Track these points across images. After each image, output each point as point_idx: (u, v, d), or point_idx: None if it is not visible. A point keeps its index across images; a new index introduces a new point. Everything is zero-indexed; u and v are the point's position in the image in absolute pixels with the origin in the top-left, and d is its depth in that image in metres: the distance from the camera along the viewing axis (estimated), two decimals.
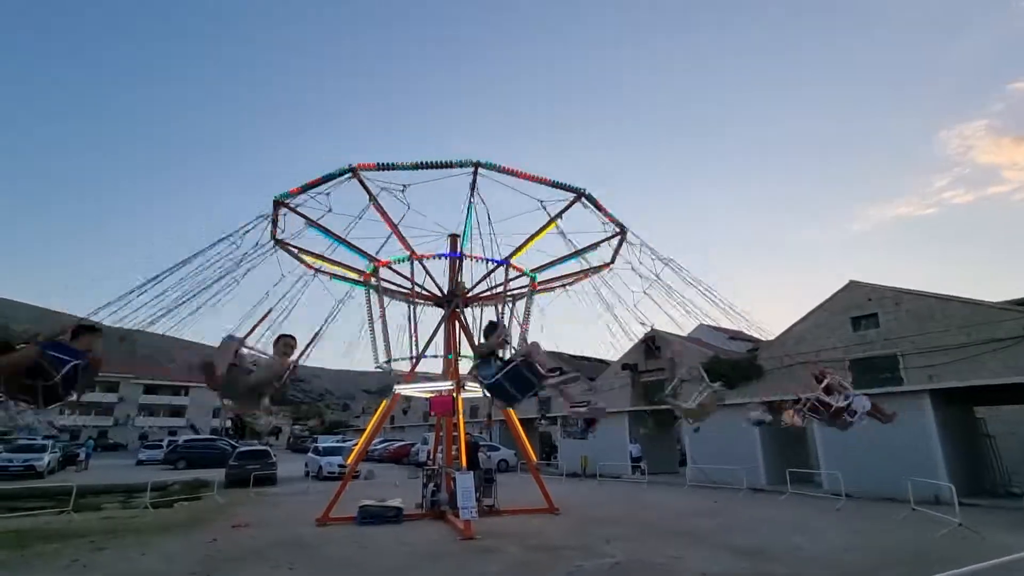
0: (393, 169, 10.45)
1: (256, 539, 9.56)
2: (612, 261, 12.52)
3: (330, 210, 10.68)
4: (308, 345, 5.98)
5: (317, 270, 12.44)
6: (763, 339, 20.75)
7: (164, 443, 34.24)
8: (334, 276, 13.01)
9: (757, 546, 8.77)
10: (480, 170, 10.75)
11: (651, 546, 8.82)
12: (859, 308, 22.35)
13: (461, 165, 10.62)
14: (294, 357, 5.49)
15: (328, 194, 10.53)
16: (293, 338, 5.56)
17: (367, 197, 10.91)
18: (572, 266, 13.29)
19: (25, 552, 8.52)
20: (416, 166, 10.36)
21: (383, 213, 11.32)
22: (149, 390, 65.85)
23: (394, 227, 11.63)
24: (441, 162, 10.45)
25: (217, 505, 14.47)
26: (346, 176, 10.43)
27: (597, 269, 12.85)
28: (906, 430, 13.88)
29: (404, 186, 10.76)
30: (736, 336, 32.01)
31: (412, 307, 13.69)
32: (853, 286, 22.72)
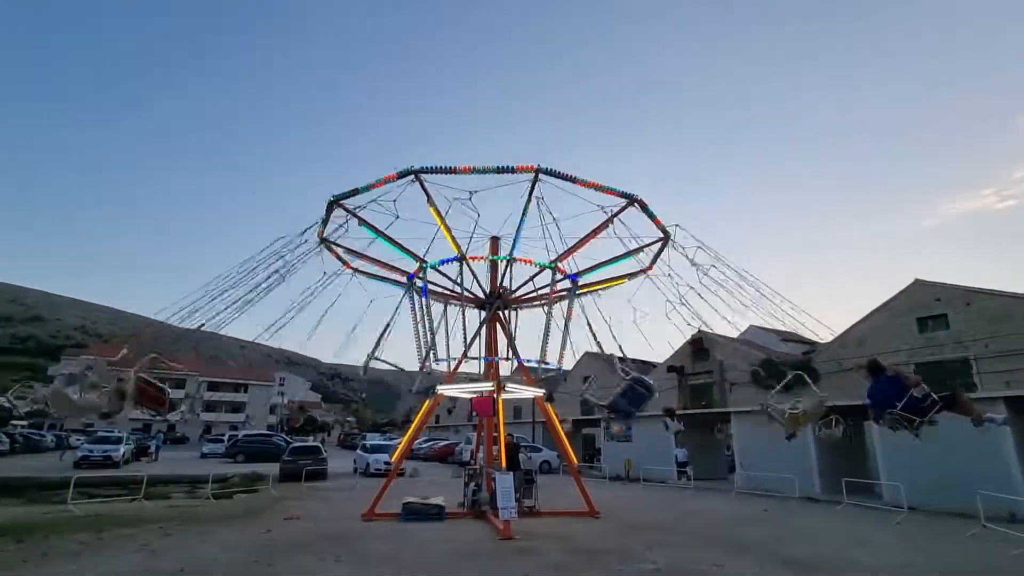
0: (454, 173, 10.60)
1: (306, 532, 10.02)
2: (651, 266, 12.41)
3: (397, 217, 11.14)
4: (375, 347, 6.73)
5: (356, 270, 12.78)
6: (819, 340, 19.81)
7: (225, 437, 36.29)
8: (372, 276, 13.34)
9: (808, 557, 8.40)
10: (540, 176, 10.76)
11: (694, 554, 8.61)
12: (926, 308, 20.95)
13: (522, 171, 10.68)
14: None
15: (395, 201, 10.90)
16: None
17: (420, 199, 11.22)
18: (613, 269, 13.25)
19: (103, 535, 9.28)
20: (479, 171, 10.53)
21: (439, 214, 11.58)
22: (212, 387, 70.11)
23: (447, 228, 11.89)
24: (503, 167, 10.56)
25: (272, 498, 15.22)
26: (409, 178, 10.65)
27: (635, 274, 12.75)
28: (978, 439, 12.83)
29: (472, 192, 10.95)
30: (788, 337, 30.66)
31: (461, 308, 13.96)
32: (918, 285, 21.31)
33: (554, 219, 11.62)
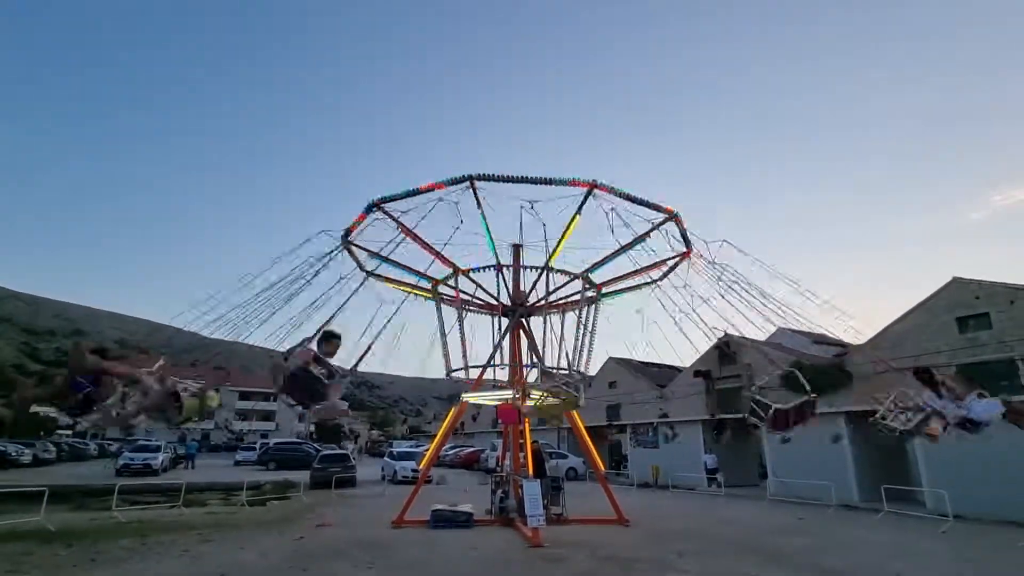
0: (508, 182, 10.38)
1: (338, 538, 10.18)
2: (662, 278, 12.40)
3: (423, 217, 10.98)
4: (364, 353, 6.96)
5: (370, 273, 12.74)
6: (852, 343, 19.21)
7: (257, 445, 37.08)
8: (393, 281, 13.37)
9: (847, 569, 8.15)
10: (595, 191, 10.55)
11: (727, 563, 8.45)
12: (966, 307, 20.14)
13: (576, 185, 10.48)
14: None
15: (440, 199, 10.64)
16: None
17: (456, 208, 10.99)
18: (632, 278, 13.19)
19: (146, 541, 9.62)
20: (534, 181, 10.33)
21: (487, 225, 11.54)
22: (243, 396, 71.97)
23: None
24: (559, 179, 10.36)
25: (303, 505, 15.52)
26: (463, 185, 10.49)
27: (645, 284, 12.81)
28: None
29: (532, 202, 10.86)
30: (820, 340, 29.81)
31: (493, 318, 13.91)
32: (957, 283, 20.54)
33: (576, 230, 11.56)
